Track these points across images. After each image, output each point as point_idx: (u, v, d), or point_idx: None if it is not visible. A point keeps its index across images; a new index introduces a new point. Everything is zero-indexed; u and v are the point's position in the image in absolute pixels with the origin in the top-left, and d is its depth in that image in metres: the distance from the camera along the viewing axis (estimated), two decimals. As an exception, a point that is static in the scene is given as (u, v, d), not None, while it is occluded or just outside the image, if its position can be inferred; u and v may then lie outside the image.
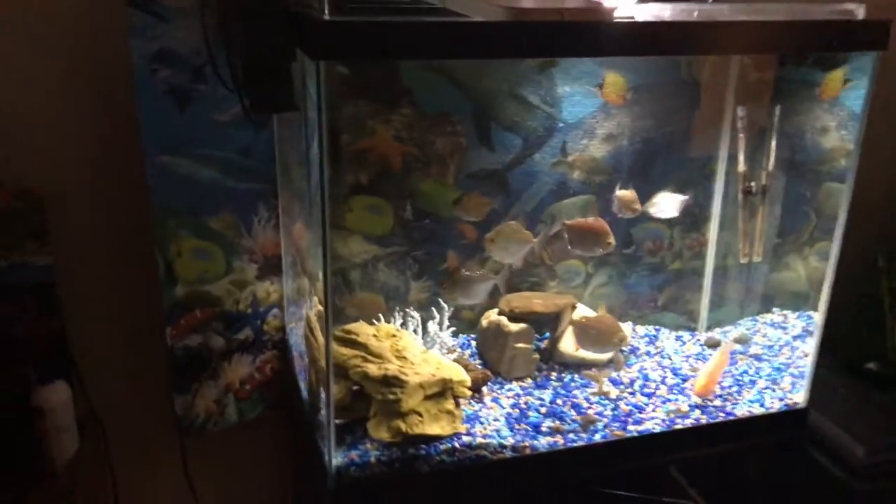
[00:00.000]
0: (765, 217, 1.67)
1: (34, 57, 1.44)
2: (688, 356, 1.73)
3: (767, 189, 1.64)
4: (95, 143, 1.52)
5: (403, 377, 1.31)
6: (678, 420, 1.50)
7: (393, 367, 1.32)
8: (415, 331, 1.60)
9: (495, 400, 1.52)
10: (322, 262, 1.18)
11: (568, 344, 1.64)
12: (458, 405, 1.38)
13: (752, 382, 1.64)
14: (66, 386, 1.53)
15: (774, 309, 1.90)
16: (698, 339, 1.80)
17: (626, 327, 1.73)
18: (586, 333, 1.55)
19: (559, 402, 1.53)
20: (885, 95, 1.46)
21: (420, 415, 1.30)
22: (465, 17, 1.18)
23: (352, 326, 1.41)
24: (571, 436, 1.43)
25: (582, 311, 1.71)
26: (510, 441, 1.38)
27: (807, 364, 1.59)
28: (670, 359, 1.71)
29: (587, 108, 1.67)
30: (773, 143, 1.63)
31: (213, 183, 1.52)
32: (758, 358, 1.73)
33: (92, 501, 1.60)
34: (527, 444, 1.39)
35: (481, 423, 1.44)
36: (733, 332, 1.82)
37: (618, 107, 1.68)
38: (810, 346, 1.58)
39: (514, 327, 1.59)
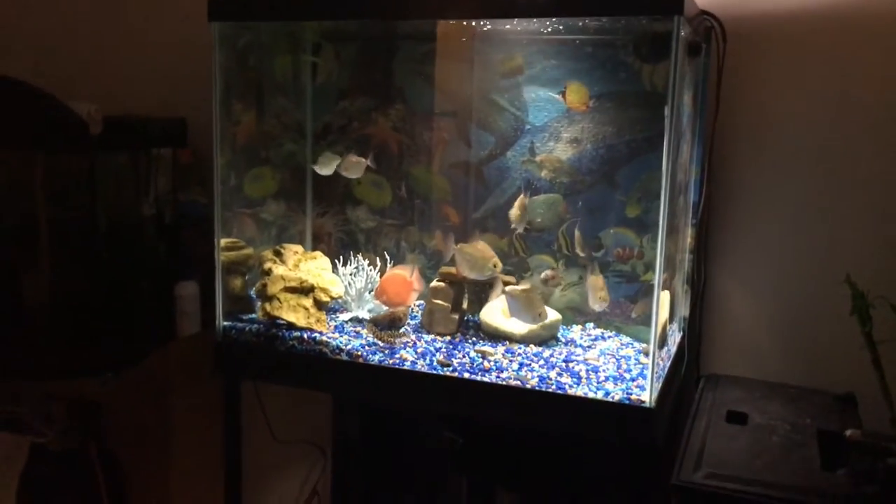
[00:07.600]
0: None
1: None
2: (606, 352, 1.71)
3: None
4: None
5: (273, 271, 1.75)
6: (511, 380, 1.58)
7: (273, 265, 1.77)
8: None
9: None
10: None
11: (487, 314, 1.82)
12: (318, 307, 1.74)
13: (632, 379, 1.57)
14: (196, 285, 2.32)
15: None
16: (640, 350, 1.74)
17: (577, 327, 1.83)
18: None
19: (443, 349, 1.73)
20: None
21: (280, 301, 1.72)
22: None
23: (288, 244, 1.88)
24: (407, 364, 1.65)
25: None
26: (347, 347, 1.68)
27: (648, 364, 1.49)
28: (588, 351, 1.72)
29: (552, 113, 1.86)
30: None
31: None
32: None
33: (197, 367, 2.33)
34: (360, 353, 1.67)
35: (345, 333, 1.76)
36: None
37: (581, 113, 1.83)
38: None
39: (435, 285, 1.84)
